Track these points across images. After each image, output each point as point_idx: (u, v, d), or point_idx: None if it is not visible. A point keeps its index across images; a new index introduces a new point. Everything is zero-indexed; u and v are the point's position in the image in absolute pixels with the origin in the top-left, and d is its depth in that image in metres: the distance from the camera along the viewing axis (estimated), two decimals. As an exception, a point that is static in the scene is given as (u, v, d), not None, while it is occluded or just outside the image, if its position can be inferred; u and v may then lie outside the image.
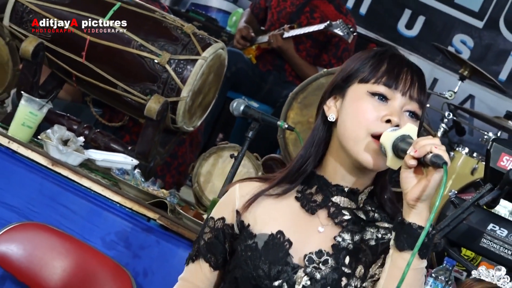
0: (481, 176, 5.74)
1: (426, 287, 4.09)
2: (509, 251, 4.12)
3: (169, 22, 4.72)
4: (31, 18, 4.73)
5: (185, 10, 7.74)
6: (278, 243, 2.45)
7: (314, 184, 2.51)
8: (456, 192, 4.87)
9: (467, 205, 4.14)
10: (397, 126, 2.35)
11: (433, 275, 4.13)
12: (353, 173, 2.47)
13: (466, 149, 6.12)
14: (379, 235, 2.48)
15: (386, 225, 2.50)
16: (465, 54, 7.65)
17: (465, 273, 5.09)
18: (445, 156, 2.18)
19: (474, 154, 6.09)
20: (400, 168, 2.28)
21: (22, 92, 4.54)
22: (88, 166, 4.47)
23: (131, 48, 4.62)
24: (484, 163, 5.49)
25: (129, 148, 4.77)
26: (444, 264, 4.19)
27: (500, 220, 4.20)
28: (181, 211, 4.26)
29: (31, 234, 4.10)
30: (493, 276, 3.37)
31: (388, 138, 2.32)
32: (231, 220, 2.53)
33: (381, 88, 2.40)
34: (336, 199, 2.49)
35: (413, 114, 2.42)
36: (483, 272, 3.38)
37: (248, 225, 2.49)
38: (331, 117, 2.47)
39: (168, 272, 4.09)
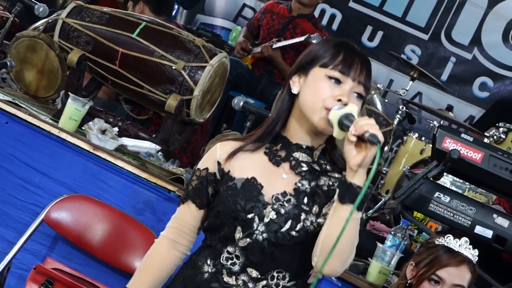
0: (429, 155, 5.74)
1: (387, 242, 4.09)
2: (451, 213, 4.11)
3: (183, 37, 4.71)
4: (76, 35, 4.71)
5: (196, 28, 7.70)
6: (252, 185, 2.49)
7: (279, 143, 2.55)
8: (409, 167, 4.88)
9: (418, 178, 4.14)
10: (346, 104, 2.40)
11: (392, 232, 4.13)
12: (309, 134, 2.52)
13: (416, 134, 6.16)
14: (330, 183, 2.54)
15: (336, 175, 2.55)
16: (414, 60, 7.63)
17: (416, 231, 5.10)
18: (379, 135, 2.27)
19: (423, 138, 6.11)
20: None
21: (69, 93, 4.53)
22: (121, 150, 4.44)
23: (154, 57, 4.60)
24: (430, 145, 5.50)
25: (154, 136, 4.75)
26: (401, 224, 4.19)
27: (444, 189, 4.20)
28: (195, 184, 4.24)
29: (78, 204, 4.10)
30: (460, 246, 3.30)
31: (335, 115, 2.38)
32: (213, 169, 2.56)
33: (337, 74, 2.44)
34: (296, 154, 2.53)
35: (359, 95, 2.47)
36: (451, 241, 3.31)
37: (228, 171, 2.53)
38: (295, 90, 2.51)
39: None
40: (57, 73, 4.92)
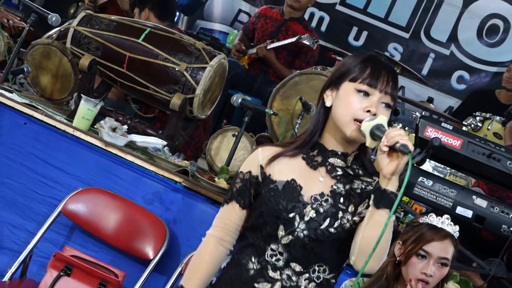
0: (412, 143, 5.72)
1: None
2: (434, 196, 4.09)
3: (185, 41, 4.70)
4: (86, 41, 4.71)
5: (196, 32, 7.71)
6: (293, 187, 2.50)
7: (316, 149, 2.56)
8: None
9: (404, 169, 4.12)
10: (375, 115, 2.42)
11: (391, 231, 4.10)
12: (343, 142, 2.53)
13: (400, 125, 6.14)
14: (363, 186, 2.53)
15: (367, 179, 2.55)
16: (397, 57, 7.64)
17: (402, 213, 5.09)
18: (410, 146, 2.29)
19: (406, 128, 6.08)
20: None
21: (82, 94, 4.53)
22: (131, 146, 4.44)
23: (159, 60, 4.59)
24: (413, 134, 5.49)
25: (160, 132, 4.75)
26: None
27: (427, 174, 4.18)
28: (199, 176, 4.25)
29: (92, 196, 4.12)
30: (442, 223, 3.31)
31: (367, 126, 2.39)
32: (256, 172, 2.56)
33: (365, 87, 2.46)
34: (331, 160, 2.54)
35: (387, 105, 2.47)
36: (434, 219, 3.32)
37: (270, 175, 2.53)
38: (328, 104, 2.53)
39: (190, 220, 4.12)
40: (70, 77, 4.95)
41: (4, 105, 4.41)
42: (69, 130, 4.34)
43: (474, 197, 4.13)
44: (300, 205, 2.48)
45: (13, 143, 4.31)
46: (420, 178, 4.13)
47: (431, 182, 4.12)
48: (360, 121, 2.42)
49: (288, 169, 2.53)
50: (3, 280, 3.86)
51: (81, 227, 4.11)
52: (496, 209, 4.08)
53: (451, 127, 4.08)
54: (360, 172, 2.56)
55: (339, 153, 2.54)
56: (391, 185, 2.34)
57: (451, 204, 4.11)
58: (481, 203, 4.12)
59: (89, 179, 4.22)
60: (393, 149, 2.31)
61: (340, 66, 2.56)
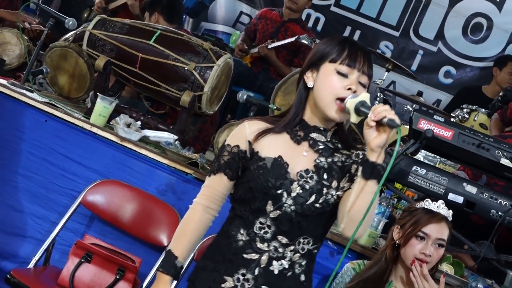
0: (404, 134, 5.72)
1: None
2: (427, 183, 4.09)
3: (193, 42, 4.69)
4: (101, 43, 4.70)
5: (201, 33, 7.70)
6: (280, 164, 2.49)
7: (298, 125, 2.55)
8: (388, 145, 4.84)
9: (398, 155, 4.12)
10: (355, 92, 2.43)
11: (378, 202, 4.11)
12: (323, 119, 2.53)
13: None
14: (343, 159, 2.56)
15: (346, 151, 2.57)
16: (388, 54, 7.63)
17: (396, 200, 5.08)
18: (397, 120, 2.30)
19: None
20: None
21: (98, 93, 4.52)
22: (144, 140, 4.43)
23: (169, 60, 4.58)
24: (405, 126, 5.49)
25: (171, 127, 4.73)
26: (385, 194, 4.18)
27: (420, 163, 4.18)
28: (208, 167, 4.24)
29: (109, 188, 4.10)
30: (438, 207, 3.33)
31: (351, 103, 2.40)
32: (244, 147, 2.53)
33: (344, 68, 2.46)
34: (313, 135, 2.55)
35: (363, 85, 2.48)
36: (430, 204, 3.34)
37: (258, 151, 2.51)
38: (310, 84, 2.52)
39: (201, 208, 4.08)
40: (86, 76, 4.94)
41: (26, 104, 4.40)
42: (87, 126, 4.33)
43: (464, 184, 4.13)
44: (287, 182, 2.48)
45: (35, 139, 4.30)
46: (414, 167, 4.12)
47: (424, 171, 4.11)
48: (342, 100, 2.43)
49: (275, 145, 2.52)
50: (28, 267, 3.86)
51: (100, 217, 4.10)
52: (485, 195, 4.08)
53: (442, 119, 4.08)
54: (339, 145, 2.58)
55: (321, 128, 2.55)
56: (378, 158, 2.36)
57: (443, 191, 4.11)
58: (471, 189, 4.11)
59: (106, 172, 4.20)
60: (380, 124, 2.32)
61: (318, 49, 2.55)
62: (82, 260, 3.71)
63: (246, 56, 6.61)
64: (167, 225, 3.97)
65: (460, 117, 6.16)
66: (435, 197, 3.81)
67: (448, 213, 3.35)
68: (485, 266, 4.24)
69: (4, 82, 4.60)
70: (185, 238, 2.58)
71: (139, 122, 4.49)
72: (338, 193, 2.51)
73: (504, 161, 3.97)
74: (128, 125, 4.35)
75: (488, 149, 3.99)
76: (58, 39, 5.17)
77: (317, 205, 2.49)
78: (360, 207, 2.39)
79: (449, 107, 7.04)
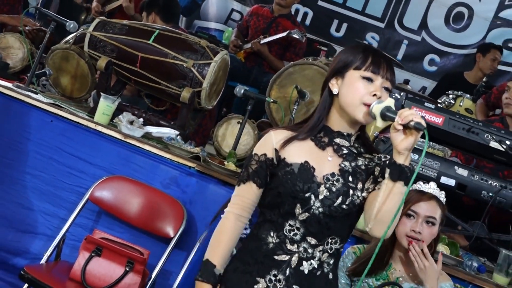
0: (385, 124, 5.70)
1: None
2: (420, 168, 4.08)
3: (190, 40, 4.67)
4: (102, 44, 4.66)
5: (194, 31, 7.64)
6: (307, 168, 2.48)
7: (322, 131, 2.54)
8: (378, 133, 4.84)
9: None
10: (379, 98, 2.41)
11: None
12: (348, 124, 2.51)
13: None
14: (366, 162, 2.53)
15: (369, 155, 2.55)
16: (374, 45, 7.62)
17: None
18: (423, 123, 2.29)
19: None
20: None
21: (101, 93, 4.49)
22: (147, 137, 4.40)
23: (168, 58, 4.55)
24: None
25: (172, 123, 4.70)
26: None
27: (416, 151, 4.15)
28: (209, 160, 4.21)
29: (115, 183, 4.07)
30: (429, 187, 3.31)
31: (377, 108, 2.39)
32: (271, 155, 2.51)
33: (369, 74, 2.44)
34: (337, 140, 2.52)
35: (387, 89, 2.47)
36: (422, 185, 3.32)
37: (284, 158, 2.50)
38: (335, 91, 2.51)
39: (205, 200, 4.08)
40: (88, 77, 4.91)
41: (31, 105, 4.36)
42: (91, 125, 4.30)
43: (456, 167, 4.13)
44: (314, 185, 2.47)
45: (42, 139, 4.27)
46: (411, 155, 4.09)
47: (417, 156, 4.10)
48: (368, 105, 2.41)
49: (300, 152, 2.51)
50: (40, 262, 3.84)
51: (107, 212, 4.07)
52: (476, 177, 4.08)
53: (433, 106, 4.07)
54: (362, 150, 2.55)
55: (345, 133, 2.52)
56: (405, 160, 2.35)
57: (435, 174, 4.10)
58: (463, 172, 4.11)
59: (112, 168, 4.18)
60: (406, 127, 2.31)
61: (341, 57, 2.53)
62: (93, 254, 3.69)
63: (240, 52, 6.57)
64: (172, 217, 3.94)
65: (446, 103, 6.15)
66: (428, 181, 3.80)
67: (440, 194, 3.32)
68: (477, 245, 4.24)
69: (9, 85, 4.56)
70: (220, 247, 2.55)
71: (141, 119, 4.46)
72: (363, 194, 2.50)
73: (493, 144, 3.97)
74: (131, 123, 4.32)
75: (477, 133, 3.99)
76: (58, 42, 5.13)
77: (344, 206, 2.47)
78: (388, 208, 2.38)
79: (433, 93, 7.03)
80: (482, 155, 4.20)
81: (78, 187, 4.16)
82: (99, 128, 4.28)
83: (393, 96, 6.24)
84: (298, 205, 2.47)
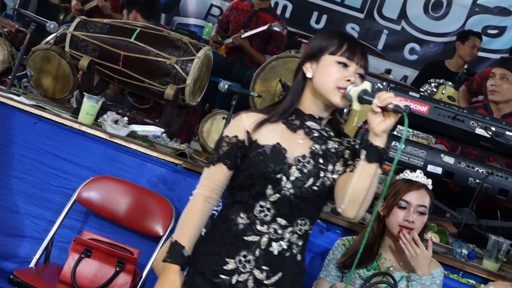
0: (362, 107, 5.69)
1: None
2: (406, 157, 4.09)
3: (172, 37, 4.63)
4: (83, 44, 4.62)
5: (175, 28, 7.61)
6: (279, 150, 2.50)
7: (294, 114, 2.56)
8: (362, 123, 4.84)
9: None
10: (353, 83, 2.43)
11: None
12: (320, 108, 2.54)
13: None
14: (336, 145, 2.57)
15: (338, 139, 2.59)
16: (355, 36, 7.56)
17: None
18: (402, 106, 2.30)
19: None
20: None
21: (84, 93, 4.44)
22: (132, 135, 4.36)
23: (151, 56, 4.52)
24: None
25: (157, 120, 4.67)
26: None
27: (398, 138, 4.16)
28: (196, 157, 4.20)
29: (103, 184, 4.03)
30: (417, 177, 3.32)
31: (354, 91, 2.40)
32: (242, 137, 2.53)
33: (344, 60, 2.47)
34: (308, 123, 2.56)
35: (361, 75, 2.49)
36: (409, 174, 3.33)
37: (256, 140, 2.51)
38: (309, 75, 2.53)
39: (192, 196, 4.03)
40: (69, 77, 4.88)
41: (14, 108, 4.30)
42: (76, 125, 4.25)
43: (442, 155, 4.12)
44: (286, 167, 2.49)
45: (26, 141, 4.21)
46: (393, 143, 4.10)
47: (403, 145, 4.09)
48: (342, 89, 2.43)
49: (272, 134, 2.52)
50: (29, 266, 3.80)
51: (95, 212, 4.03)
52: (463, 164, 4.08)
53: (418, 95, 4.06)
54: (332, 134, 2.59)
55: (316, 117, 2.55)
56: (381, 142, 2.35)
57: (422, 163, 4.10)
58: (449, 160, 4.11)
59: (98, 168, 4.13)
60: (384, 110, 2.32)
61: (317, 42, 2.56)
62: (82, 256, 3.66)
63: (221, 47, 6.55)
64: (161, 215, 3.92)
65: (428, 91, 6.16)
66: (414, 170, 3.80)
67: (427, 182, 3.34)
68: (466, 232, 4.24)
69: (-10, 88, 4.51)
70: (189, 228, 2.55)
71: (126, 118, 4.42)
72: (333, 176, 2.52)
73: (479, 131, 3.97)
74: (116, 122, 4.29)
75: (463, 121, 3.98)
76: (38, 43, 5.08)
77: (315, 187, 2.51)
78: (362, 188, 2.39)
79: (415, 82, 7.04)
80: (468, 142, 4.20)
81: (65, 189, 4.11)
82: (83, 128, 4.23)
83: (376, 86, 6.24)
84: (270, 186, 2.50)
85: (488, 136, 3.94)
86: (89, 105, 4.28)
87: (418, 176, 3.33)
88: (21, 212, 4.16)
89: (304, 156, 2.51)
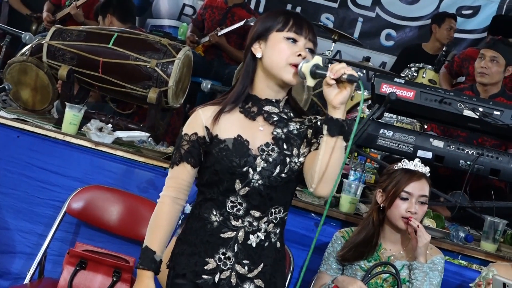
0: (358, 101, 5.68)
1: (350, 177, 4.01)
2: (396, 144, 4.07)
3: (151, 39, 4.57)
4: (61, 53, 4.53)
5: (149, 30, 7.52)
6: (241, 142, 2.46)
7: (249, 101, 2.50)
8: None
9: (365, 121, 4.07)
10: (304, 58, 2.40)
11: (352, 168, 4.05)
12: (274, 90, 2.50)
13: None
14: (297, 126, 2.53)
15: (299, 119, 2.55)
16: (330, 25, 7.57)
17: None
18: (356, 74, 2.25)
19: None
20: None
21: (65, 102, 4.37)
22: (118, 142, 4.30)
23: (130, 60, 4.45)
24: (358, 92, 5.45)
25: (141, 125, 4.62)
26: (358, 160, 4.12)
27: (386, 126, 4.15)
28: (184, 159, 4.13)
29: (92, 193, 3.94)
30: (415, 165, 3.29)
31: (306, 67, 2.36)
32: (202, 133, 2.47)
33: (292, 34, 2.43)
34: (266, 108, 2.50)
35: (311, 50, 2.45)
36: (407, 163, 3.30)
37: (216, 135, 2.46)
38: (259, 55, 2.47)
39: (183, 200, 3.97)
40: (48, 87, 4.80)
41: (-5, 123, 4.24)
42: (60, 136, 4.19)
43: (431, 139, 4.11)
44: (251, 159, 2.45)
45: (10, 156, 4.14)
46: (381, 131, 4.08)
47: (391, 133, 4.08)
48: (295, 65, 2.39)
49: (232, 126, 2.47)
50: (24, 282, 3.72)
51: (87, 223, 3.97)
52: (452, 147, 4.06)
53: (403, 81, 4.03)
54: (292, 114, 2.54)
55: (273, 100, 2.50)
56: (341, 114, 2.31)
57: (412, 149, 4.08)
58: (438, 144, 4.09)
59: (86, 178, 4.06)
60: (339, 81, 2.27)
61: (262, 22, 2.51)
62: (77, 268, 3.59)
63: (198, 46, 6.49)
64: (153, 221, 3.85)
65: (409, 76, 6.15)
66: (405, 156, 3.77)
67: (426, 170, 3.31)
68: (460, 215, 4.22)
69: (-31, 104, 4.42)
70: (159, 231, 2.51)
71: (110, 125, 4.37)
72: (300, 159, 2.49)
73: (467, 113, 3.95)
74: (100, 129, 4.23)
75: (450, 103, 3.96)
76: (13, 55, 5.00)
77: (283, 175, 2.47)
78: (331, 165, 2.35)
79: (394, 68, 7.03)
80: (456, 125, 4.18)
81: (53, 201, 4.04)
82: (68, 138, 4.17)
83: (358, 73, 6.20)
84: (238, 181, 2.46)
85: (476, 117, 3.91)
86: (72, 115, 4.21)
87: (416, 164, 3.29)
88: (10, 228, 4.08)
89: (267, 144, 2.47)
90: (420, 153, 4.06)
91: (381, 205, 3.29)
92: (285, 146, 2.47)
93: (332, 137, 2.31)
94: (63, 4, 7.04)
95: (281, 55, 2.41)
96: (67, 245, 3.94)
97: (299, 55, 2.40)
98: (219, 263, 2.49)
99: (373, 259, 3.28)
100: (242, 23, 6.16)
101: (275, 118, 2.49)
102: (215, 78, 6.16)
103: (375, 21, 7.82)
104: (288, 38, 2.42)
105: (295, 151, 2.48)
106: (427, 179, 3.29)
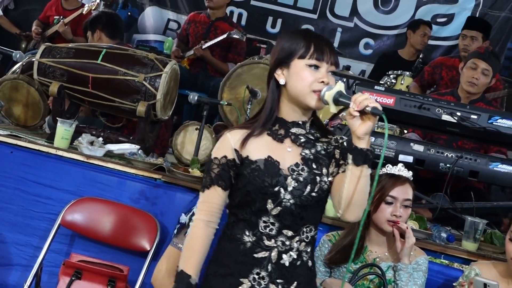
0: (339, 108, 5.68)
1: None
2: (377, 149, 4.07)
3: (138, 54, 4.56)
4: (51, 70, 4.52)
5: (135, 45, 7.51)
6: (272, 163, 2.44)
7: (276, 124, 2.49)
8: (328, 121, 4.83)
9: (347, 129, 4.08)
10: (328, 84, 2.38)
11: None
12: (300, 112, 2.47)
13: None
14: (325, 146, 2.51)
15: (325, 139, 2.52)
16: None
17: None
18: (380, 107, 2.24)
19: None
20: None
21: (57, 118, 4.37)
22: (109, 155, 4.30)
23: (119, 75, 4.44)
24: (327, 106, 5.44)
25: (131, 138, 4.62)
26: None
27: (374, 134, 4.15)
28: (174, 169, 4.15)
29: (85, 205, 3.97)
30: (399, 170, 3.31)
31: (329, 95, 2.35)
32: (231, 156, 2.46)
33: (314, 62, 2.40)
34: (293, 130, 2.48)
35: (333, 73, 2.44)
36: (391, 168, 3.32)
37: (247, 156, 2.45)
38: (282, 82, 2.46)
39: (175, 209, 3.97)
40: (39, 104, 4.81)
41: (-12, 140, 4.23)
42: (52, 151, 4.19)
43: (411, 144, 4.13)
44: (282, 178, 2.43)
45: (4, 171, 4.13)
46: (372, 139, 4.09)
47: (373, 138, 4.09)
48: (317, 91, 2.38)
49: (260, 148, 2.46)
50: (21, 295, 3.72)
51: (81, 234, 3.97)
52: (432, 150, 4.09)
53: (383, 88, 4.06)
54: (318, 135, 2.53)
55: (300, 122, 2.48)
56: (365, 143, 2.31)
57: (393, 153, 4.11)
58: (419, 148, 4.12)
59: (79, 190, 4.06)
60: (362, 112, 2.27)
61: (283, 46, 2.47)
62: (73, 278, 3.61)
63: (184, 60, 6.49)
64: (146, 231, 3.86)
65: (388, 83, 6.17)
66: (386, 161, 3.80)
67: (409, 174, 3.33)
68: (441, 216, 4.25)
69: (-38, 122, 4.42)
70: (194, 256, 2.49)
71: (100, 139, 4.37)
72: (329, 179, 2.47)
73: (445, 117, 3.98)
74: (91, 143, 4.23)
75: (429, 109, 4.00)
76: (4, 74, 5.01)
77: (314, 194, 2.45)
78: (355, 192, 2.36)
79: (372, 75, 7.06)
80: (436, 129, 4.22)
81: (48, 214, 4.04)
82: (60, 153, 4.17)
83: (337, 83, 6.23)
84: (270, 201, 2.43)
85: (455, 121, 3.95)
86: (63, 130, 4.21)
87: (400, 169, 3.31)
88: (7, 242, 4.08)
89: (297, 164, 2.45)
90: (401, 157, 4.09)
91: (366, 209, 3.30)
92: (314, 166, 2.46)
93: (357, 166, 2.32)
94: (51, 22, 7.03)
95: (304, 82, 2.39)
96: (63, 256, 3.94)
97: (322, 82, 2.38)
98: (253, 283, 2.46)
99: (359, 261, 3.30)
100: (225, 35, 6.16)
101: (302, 140, 2.48)
102: (201, 90, 6.15)
103: (353, 31, 7.86)
104: (310, 65, 2.40)
105: (324, 170, 2.47)
106: (410, 183, 3.31)
